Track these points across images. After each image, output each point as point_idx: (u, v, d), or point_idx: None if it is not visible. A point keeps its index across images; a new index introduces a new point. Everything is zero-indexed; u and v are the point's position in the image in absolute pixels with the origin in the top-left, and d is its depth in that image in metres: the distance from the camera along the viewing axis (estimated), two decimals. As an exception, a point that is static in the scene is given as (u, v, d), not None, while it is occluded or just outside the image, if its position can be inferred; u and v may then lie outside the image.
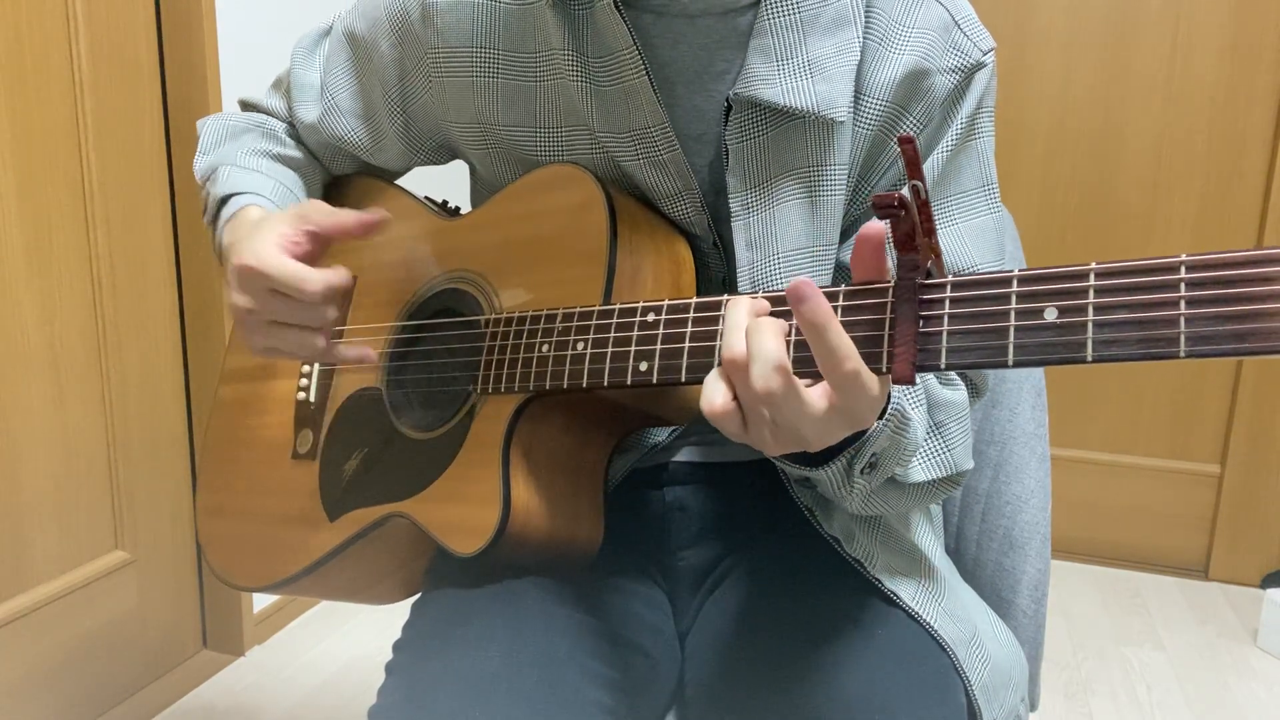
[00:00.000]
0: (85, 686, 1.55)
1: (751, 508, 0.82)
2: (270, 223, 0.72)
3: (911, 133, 0.72)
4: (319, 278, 0.69)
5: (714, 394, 0.54)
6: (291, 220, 0.72)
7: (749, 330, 0.53)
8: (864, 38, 0.71)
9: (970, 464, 0.74)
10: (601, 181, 0.72)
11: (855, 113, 0.72)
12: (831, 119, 0.69)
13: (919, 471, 0.71)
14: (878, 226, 0.52)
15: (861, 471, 0.65)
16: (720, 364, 0.55)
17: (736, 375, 0.53)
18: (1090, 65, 2.16)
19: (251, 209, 0.79)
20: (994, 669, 0.74)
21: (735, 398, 0.54)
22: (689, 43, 0.73)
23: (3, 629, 1.41)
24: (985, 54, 0.73)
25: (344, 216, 0.71)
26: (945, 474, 0.72)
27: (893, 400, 0.62)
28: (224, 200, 0.82)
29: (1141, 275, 0.46)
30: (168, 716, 1.62)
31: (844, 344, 0.51)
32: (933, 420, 0.72)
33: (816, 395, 0.53)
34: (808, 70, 0.69)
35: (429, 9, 0.78)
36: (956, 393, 0.73)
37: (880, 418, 0.62)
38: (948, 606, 0.75)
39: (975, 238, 0.74)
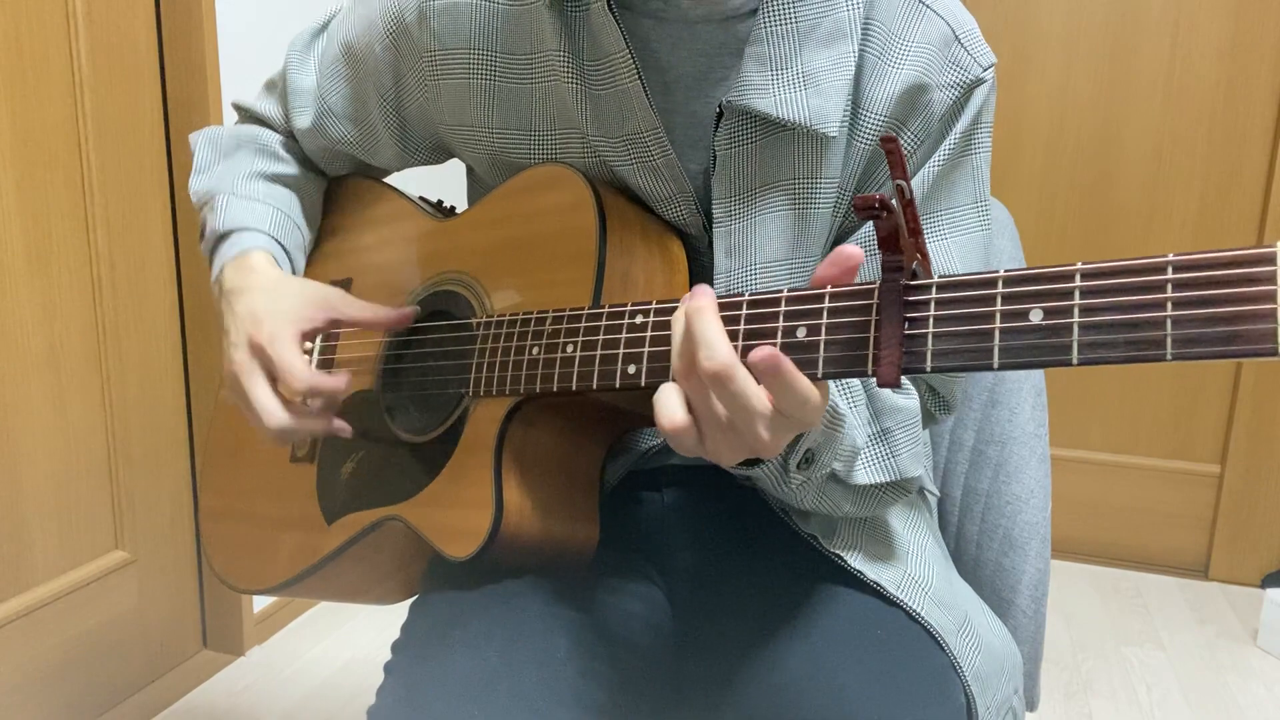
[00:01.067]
0: (85, 686, 1.56)
1: (749, 508, 0.82)
2: (289, 296, 0.77)
3: (907, 148, 0.72)
4: (305, 380, 0.73)
5: (673, 409, 0.55)
6: (313, 307, 0.77)
7: (689, 315, 0.54)
8: (862, 51, 0.70)
9: (917, 471, 0.74)
10: (592, 182, 0.71)
11: (853, 127, 0.72)
12: (823, 133, 0.69)
13: (863, 474, 0.71)
14: (856, 253, 0.53)
15: (798, 466, 0.66)
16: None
17: (685, 364, 0.54)
18: (1090, 65, 2.16)
19: (255, 255, 0.82)
20: (987, 655, 0.74)
21: (691, 410, 0.55)
22: (688, 48, 0.73)
23: (3, 629, 1.41)
24: (985, 70, 0.72)
25: (368, 313, 0.78)
26: (890, 479, 0.73)
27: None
28: (222, 235, 0.83)
29: (1128, 276, 0.45)
30: (168, 716, 1.62)
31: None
32: (881, 426, 0.72)
33: (763, 394, 0.54)
34: (801, 82, 0.69)
35: (425, 11, 0.77)
36: (908, 400, 0.73)
37: None
38: (936, 595, 0.75)
39: (964, 253, 0.74)
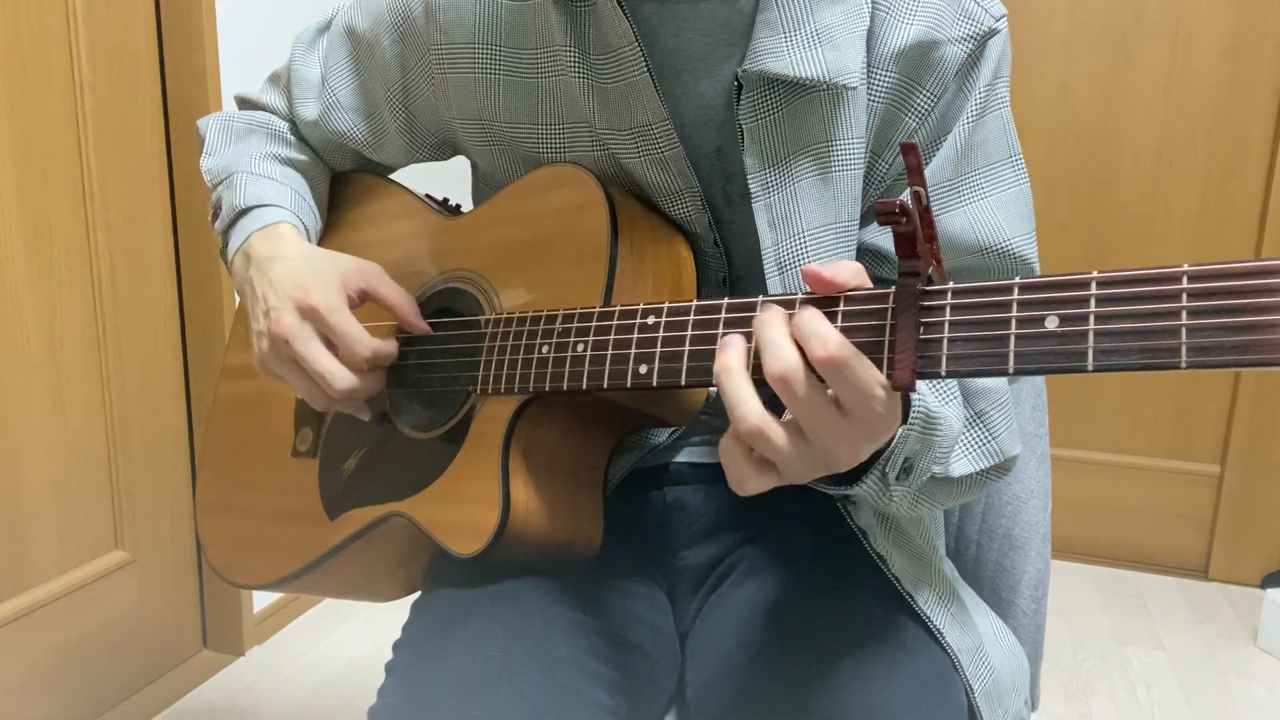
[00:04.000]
0: (85, 686, 1.55)
1: (752, 508, 0.82)
2: (329, 267, 0.77)
3: (925, 105, 0.72)
4: (370, 346, 0.73)
5: (768, 430, 0.52)
6: (353, 275, 0.76)
7: (777, 337, 0.52)
8: (872, 8, 0.70)
9: (1018, 449, 0.73)
10: (602, 182, 0.71)
11: (866, 85, 0.71)
12: (843, 85, 0.68)
13: (963, 464, 0.70)
14: (812, 268, 0.53)
15: (897, 478, 0.64)
16: (766, 381, 0.52)
17: (786, 388, 0.51)
18: (1090, 65, 2.16)
19: (283, 226, 0.82)
20: (997, 679, 0.74)
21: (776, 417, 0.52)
22: (693, 29, 0.73)
23: (3, 629, 1.41)
24: (997, 20, 0.71)
25: (399, 296, 0.77)
26: (992, 463, 0.71)
27: (913, 402, 0.61)
28: (244, 210, 0.83)
29: (1143, 285, 0.45)
30: (168, 716, 1.62)
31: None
32: (973, 410, 0.71)
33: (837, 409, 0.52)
34: (816, 40, 0.68)
35: (431, 5, 0.78)
36: (995, 379, 0.72)
37: (903, 422, 0.61)
38: (956, 614, 0.75)
39: (1006, 210, 0.73)
